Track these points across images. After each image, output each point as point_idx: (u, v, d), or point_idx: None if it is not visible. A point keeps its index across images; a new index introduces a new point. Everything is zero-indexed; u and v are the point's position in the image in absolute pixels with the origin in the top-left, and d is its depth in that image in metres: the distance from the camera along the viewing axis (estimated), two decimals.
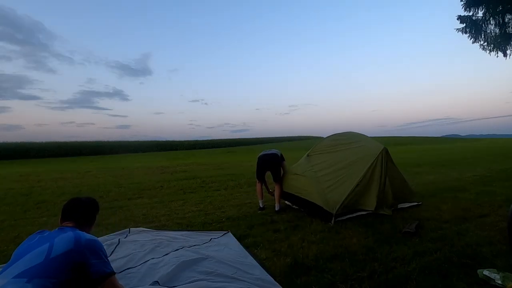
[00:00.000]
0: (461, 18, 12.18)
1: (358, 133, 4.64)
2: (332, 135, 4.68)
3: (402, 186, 4.11)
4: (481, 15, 12.06)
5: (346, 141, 4.34)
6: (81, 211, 1.58)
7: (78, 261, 1.28)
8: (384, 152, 3.75)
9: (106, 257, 1.40)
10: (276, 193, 4.23)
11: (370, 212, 3.56)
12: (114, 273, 1.39)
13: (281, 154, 4.45)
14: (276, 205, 4.16)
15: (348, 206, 3.51)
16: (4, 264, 1.30)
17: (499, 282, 1.94)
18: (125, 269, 2.28)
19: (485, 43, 12.31)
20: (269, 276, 2.15)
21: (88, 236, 1.38)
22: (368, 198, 3.60)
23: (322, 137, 5.25)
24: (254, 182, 4.48)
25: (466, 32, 12.33)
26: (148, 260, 2.43)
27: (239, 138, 55.86)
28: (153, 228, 3.54)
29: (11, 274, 1.17)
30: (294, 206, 4.23)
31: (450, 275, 2.12)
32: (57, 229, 1.43)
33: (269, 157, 4.34)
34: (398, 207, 3.89)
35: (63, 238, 1.30)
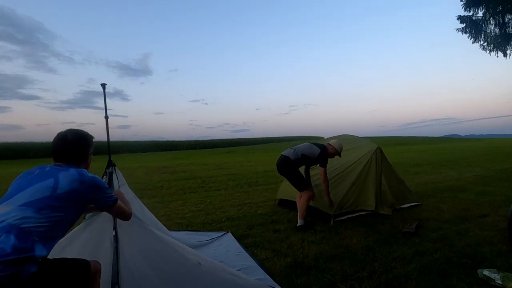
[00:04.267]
0: (461, 18, 12.18)
1: (351, 135, 4.64)
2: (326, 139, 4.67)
3: (399, 185, 4.11)
4: (481, 15, 12.06)
5: None
6: (70, 152, 1.43)
7: (85, 198, 1.33)
8: (378, 152, 3.76)
9: (108, 188, 1.46)
10: (298, 205, 3.41)
11: (370, 212, 3.56)
12: (117, 199, 1.46)
13: (303, 155, 3.39)
14: (298, 220, 3.36)
15: (347, 207, 3.51)
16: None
17: (499, 282, 1.94)
18: None
19: (485, 43, 12.32)
20: (269, 276, 2.15)
21: (90, 174, 1.39)
22: (367, 198, 3.60)
23: (322, 137, 5.23)
24: (254, 182, 4.43)
25: (466, 32, 12.33)
26: None
27: (239, 138, 55.97)
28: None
29: (16, 203, 1.15)
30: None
31: (450, 275, 2.12)
32: (54, 164, 1.37)
33: (280, 161, 3.47)
34: (399, 207, 3.89)
35: (68, 175, 1.29)
